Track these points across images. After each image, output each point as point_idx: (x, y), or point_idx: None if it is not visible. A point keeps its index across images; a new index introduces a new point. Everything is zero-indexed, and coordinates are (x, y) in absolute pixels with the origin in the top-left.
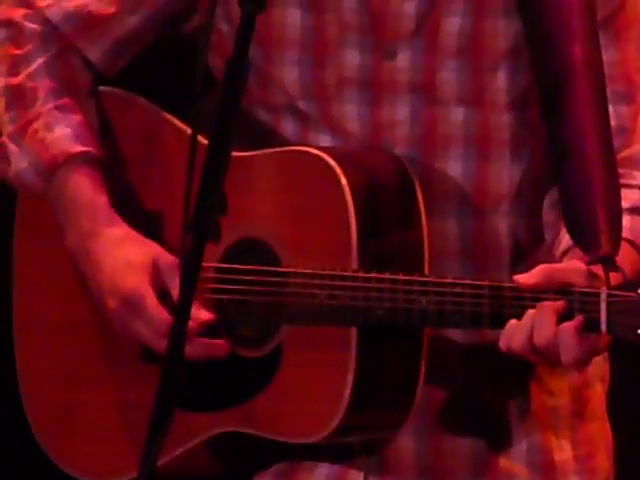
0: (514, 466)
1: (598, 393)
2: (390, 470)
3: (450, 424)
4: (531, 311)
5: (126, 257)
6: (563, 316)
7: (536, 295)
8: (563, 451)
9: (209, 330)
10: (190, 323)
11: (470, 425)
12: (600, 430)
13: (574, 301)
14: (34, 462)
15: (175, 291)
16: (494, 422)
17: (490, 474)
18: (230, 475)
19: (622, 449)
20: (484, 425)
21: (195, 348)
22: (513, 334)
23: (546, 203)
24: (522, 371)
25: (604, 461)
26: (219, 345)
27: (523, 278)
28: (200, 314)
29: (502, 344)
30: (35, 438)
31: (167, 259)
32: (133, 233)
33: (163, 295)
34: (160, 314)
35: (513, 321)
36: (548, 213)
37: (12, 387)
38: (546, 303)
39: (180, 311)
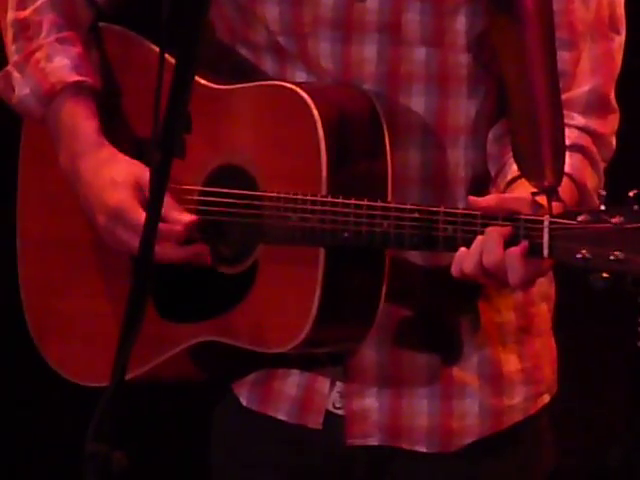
0: (466, 376)
1: (543, 311)
2: (354, 377)
3: (409, 338)
4: (480, 237)
5: (111, 176)
6: (509, 241)
7: (485, 221)
8: (511, 363)
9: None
10: (176, 227)
11: (427, 339)
12: (545, 345)
13: (519, 227)
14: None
15: None
16: (448, 337)
17: (444, 383)
18: (211, 382)
19: (565, 362)
20: (439, 339)
21: (181, 251)
22: (464, 259)
23: (491, 136)
24: (473, 291)
25: (549, 373)
26: (200, 248)
27: (475, 200)
28: (183, 217)
29: (454, 270)
30: (33, 340)
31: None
32: (119, 154)
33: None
34: None
35: (463, 249)
36: (492, 146)
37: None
38: (493, 228)
39: (149, 222)
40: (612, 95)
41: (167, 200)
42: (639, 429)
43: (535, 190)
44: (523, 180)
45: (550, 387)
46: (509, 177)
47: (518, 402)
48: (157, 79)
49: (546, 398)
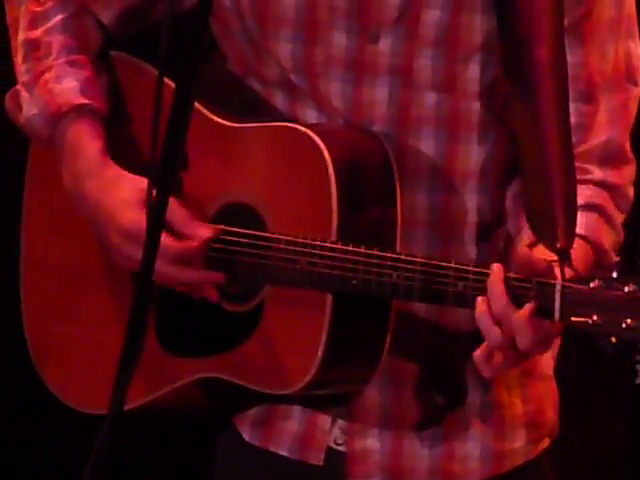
0: (469, 419)
1: (546, 356)
2: (356, 417)
3: (412, 380)
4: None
5: (121, 195)
6: (517, 301)
7: None
8: (514, 407)
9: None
10: (195, 242)
11: (430, 382)
12: (547, 388)
13: (531, 289)
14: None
15: (170, 221)
16: (452, 381)
17: (446, 425)
18: (213, 413)
19: (567, 405)
20: (443, 383)
21: (195, 271)
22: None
23: (509, 193)
24: (477, 336)
25: (551, 416)
26: (215, 275)
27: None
28: (203, 232)
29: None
30: (34, 367)
31: None
32: (124, 173)
33: None
34: (164, 240)
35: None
36: (510, 202)
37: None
38: (496, 292)
39: (148, 249)
40: (628, 145)
41: (182, 215)
42: (639, 465)
43: (548, 255)
44: (540, 246)
45: (551, 430)
46: (526, 241)
47: (520, 446)
48: (155, 105)
49: (547, 442)
